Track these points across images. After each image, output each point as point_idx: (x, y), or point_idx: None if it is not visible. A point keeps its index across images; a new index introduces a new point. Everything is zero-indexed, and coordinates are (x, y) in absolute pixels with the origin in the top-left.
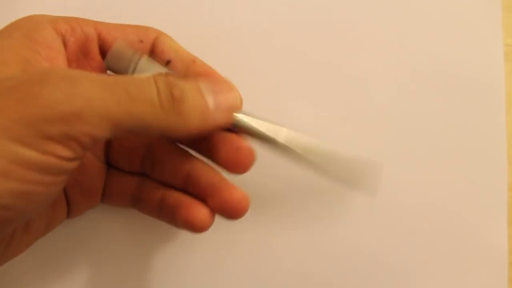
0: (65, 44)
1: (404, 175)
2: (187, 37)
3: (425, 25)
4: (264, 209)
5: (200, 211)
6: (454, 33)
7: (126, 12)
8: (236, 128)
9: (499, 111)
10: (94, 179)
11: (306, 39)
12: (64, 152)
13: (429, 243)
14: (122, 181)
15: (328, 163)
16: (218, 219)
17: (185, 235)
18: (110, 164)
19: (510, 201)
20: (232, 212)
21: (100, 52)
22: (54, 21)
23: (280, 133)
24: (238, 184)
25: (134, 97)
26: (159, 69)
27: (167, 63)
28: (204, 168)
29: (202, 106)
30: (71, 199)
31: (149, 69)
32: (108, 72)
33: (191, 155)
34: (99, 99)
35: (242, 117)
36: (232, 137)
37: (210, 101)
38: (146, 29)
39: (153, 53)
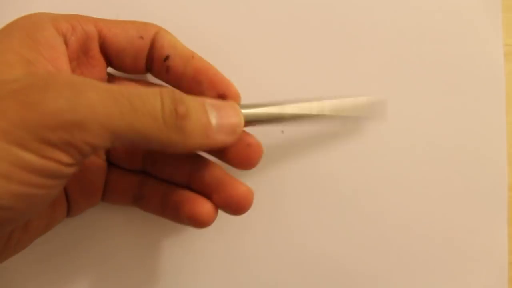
0: (66, 43)
1: (404, 175)
2: (186, 35)
3: (425, 25)
4: (263, 208)
5: (204, 206)
6: (454, 33)
7: (126, 11)
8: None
9: (499, 111)
10: (95, 177)
11: (306, 39)
12: (64, 158)
13: (429, 243)
14: (123, 179)
15: (335, 111)
16: (219, 218)
17: (186, 234)
18: (111, 162)
19: (510, 201)
20: (238, 207)
21: (100, 50)
22: (55, 20)
23: (284, 111)
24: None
25: (137, 110)
26: None
27: (166, 58)
28: (207, 165)
29: (205, 125)
30: (71, 198)
31: None
32: (109, 69)
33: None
34: (102, 110)
35: (245, 112)
36: (241, 134)
37: (214, 120)
38: (145, 25)
39: (153, 48)
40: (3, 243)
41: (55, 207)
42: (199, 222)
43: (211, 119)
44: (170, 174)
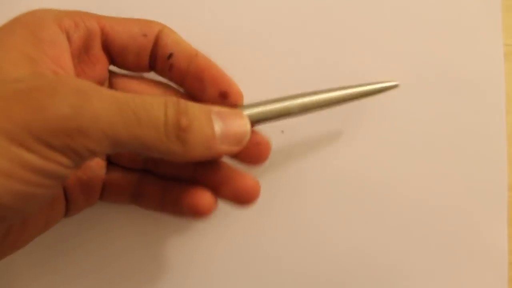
0: (69, 40)
1: (404, 175)
2: (187, 34)
3: (425, 25)
4: (263, 207)
5: (204, 196)
6: (454, 33)
7: (127, 9)
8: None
9: (499, 111)
10: (94, 176)
11: (307, 41)
12: (64, 160)
13: (429, 243)
14: (122, 177)
15: (344, 98)
16: (222, 217)
17: (187, 233)
18: (110, 161)
19: (510, 201)
20: (246, 198)
21: (103, 47)
22: (58, 17)
23: (292, 106)
24: None
25: (141, 120)
26: None
27: (169, 56)
28: (212, 159)
29: (208, 136)
30: (70, 197)
31: None
32: (111, 67)
33: None
34: (105, 118)
35: (251, 112)
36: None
37: (218, 130)
38: (149, 22)
39: (156, 46)
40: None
41: (54, 206)
42: (200, 212)
43: (216, 129)
44: (174, 171)
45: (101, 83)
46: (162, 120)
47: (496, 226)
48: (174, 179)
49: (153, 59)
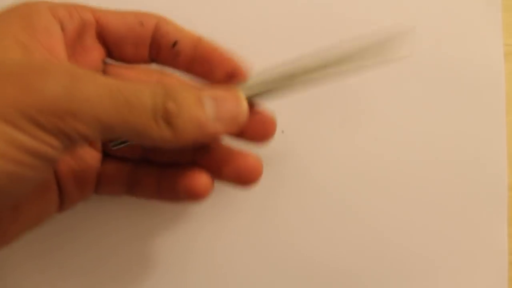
0: (63, 30)
1: (404, 175)
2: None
3: (425, 25)
4: (263, 208)
5: (200, 177)
6: (454, 33)
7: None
8: (252, 101)
9: (499, 111)
10: (89, 168)
11: (304, 38)
12: (54, 142)
13: (429, 243)
14: (117, 168)
15: (352, 58)
16: (218, 217)
17: (182, 223)
18: (107, 154)
19: (510, 201)
20: (248, 178)
21: (99, 39)
22: (52, 8)
23: (294, 74)
24: None
25: (131, 106)
26: None
27: (175, 44)
28: (210, 141)
29: (198, 121)
30: (64, 189)
31: None
32: (108, 60)
33: None
34: (97, 102)
35: (248, 88)
36: (254, 111)
37: (210, 112)
38: (146, 13)
39: (158, 36)
40: None
41: (46, 196)
42: (196, 195)
43: (207, 110)
44: (174, 156)
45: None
46: (150, 105)
47: (496, 226)
48: (173, 165)
49: (154, 50)
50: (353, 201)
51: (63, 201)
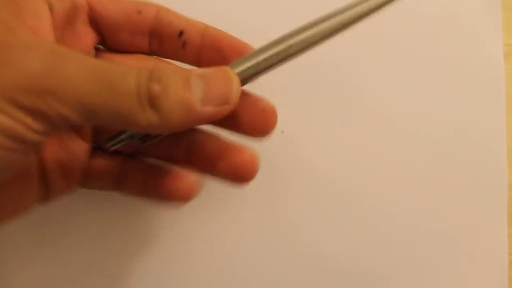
0: (51, 11)
1: (403, 175)
2: None
3: (425, 25)
4: (262, 208)
5: (184, 181)
6: (454, 33)
7: None
8: (247, 80)
9: (499, 111)
10: (76, 159)
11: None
12: (34, 124)
13: (429, 243)
14: (106, 162)
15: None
16: (217, 216)
17: (181, 222)
18: (98, 146)
19: (510, 201)
20: (243, 175)
21: (91, 24)
22: None
23: (289, 44)
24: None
25: (115, 88)
26: None
27: (181, 34)
28: (206, 134)
29: (185, 101)
30: (48, 179)
31: None
32: (101, 47)
33: None
34: (80, 83)
35: (240, 64)
36: (254, 99)
37: (199, 94)
38: (144, 2)
39: (159, 26)
40: None
41: (26, 186)
42: (178, 197)
43: (195, 90)
44: (167, 150)
45: None
46: (134, 87)
47: (496, 226)
48: (167, 160)
49: (156, 40)
50: (353, 201)
51: (47, 192)
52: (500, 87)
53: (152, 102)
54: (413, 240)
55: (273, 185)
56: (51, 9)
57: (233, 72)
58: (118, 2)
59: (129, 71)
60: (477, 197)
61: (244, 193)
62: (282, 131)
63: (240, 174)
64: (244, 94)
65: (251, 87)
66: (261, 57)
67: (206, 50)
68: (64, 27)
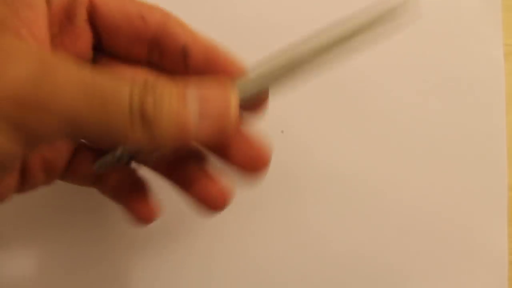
0: (48, 3)
1: (404, 175)
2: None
3: (425, 25)
4: (262, 209)
5: (145, 205)
6: (454, 33)
7: None
8: (246, 101)
9: (499, 111)
10: (61, 156)
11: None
12: (14, 137)
13: (429, 243)
14: (88, 158)
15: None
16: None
17: (180, 222)
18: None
19: (510, 201)
20: (210, 205)
21: (90, 22)
22: None
23: (296, 61)
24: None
25: (107, 104)
26: None
27: (184, 48)
28: (188, 157)
29: (179, 117)
30: (29, 170)
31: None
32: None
33: None
34: (68, 97)
35: (246, 84)
36: (251, 137)
37: (195, 110)
38: (149, 6)
39: (163, 36)
40: None
41: (4, 177)
42: (137, 220)
43: (191, 106)
44: (151, 163)
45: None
46: (126, 103)
47: (496, 226)
48: (146, 164)
49: (156, 51)
50: (353, 201)
51: (25, 183)
52: (500, 87)
53: (144, 117)
54: (413, 240)
55: (273, 185)
56: (48, 1)
57: (233, 90)
58: (122, 1)
59: (122, 84)
60: (477, 197)
61: (244, 193)
62: (282, 131)
63: (207, 204)
64: (242, 128)
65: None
66: (262, 72)
67: (208, 70)
68: (61, 22)
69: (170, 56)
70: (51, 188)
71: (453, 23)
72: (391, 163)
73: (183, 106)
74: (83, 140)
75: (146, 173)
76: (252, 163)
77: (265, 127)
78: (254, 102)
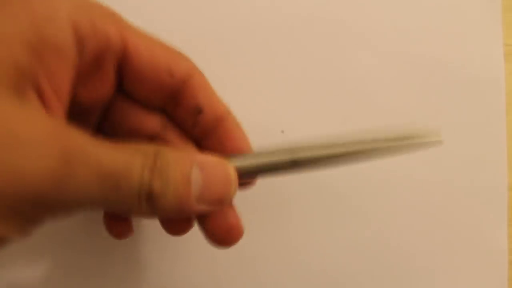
0: (80, 54)
1: (404, 175)
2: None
3: (425, 24)
4: (262, 210)
5: (117, 228)
6: (454, 33)
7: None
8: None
9: (499, 111)
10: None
11: (304, 39)
12: (15, 226)
13: (429, 243)
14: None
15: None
16: None
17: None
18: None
19: (510, 201)
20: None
21: (117, 66)
22: (75, 16)
23: (295, 153)
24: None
25: (120, 189)
26: None
27: (198, 112)
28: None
29: (182, 198)
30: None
31: None
32: None
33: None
34: (85, 189)
35: (242, 162)
36: (226, 213)
37: (196, 190)
38: (178, 56)
39: (183, 95)
40: None
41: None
42: (112, 235)
43: (194, 187)
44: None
45: (101, 106)
46: (137, 185)
47: (496, 226)
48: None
49: (173, 102)
50: (353, 201)
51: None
52: (500, 87)
53: (151, 198)
54: (413, 240)
55: (272, 185)
56: (80, 48)
57: (233, 171)
58: (151, 48)
59: (133, 163)
60: (477, 197)
61: (243, 193)
62: (282, 131)
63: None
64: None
65: None
66: (265, 160)
67: (213, 137)
68: (88, 71)
69: (184, 108)
70: None
71: (453, 23)
72: (390, 163)
73: (188, 189)
74: None
75: None
76: (226, 237)
77: (265, 127)
78: (244, 181)
